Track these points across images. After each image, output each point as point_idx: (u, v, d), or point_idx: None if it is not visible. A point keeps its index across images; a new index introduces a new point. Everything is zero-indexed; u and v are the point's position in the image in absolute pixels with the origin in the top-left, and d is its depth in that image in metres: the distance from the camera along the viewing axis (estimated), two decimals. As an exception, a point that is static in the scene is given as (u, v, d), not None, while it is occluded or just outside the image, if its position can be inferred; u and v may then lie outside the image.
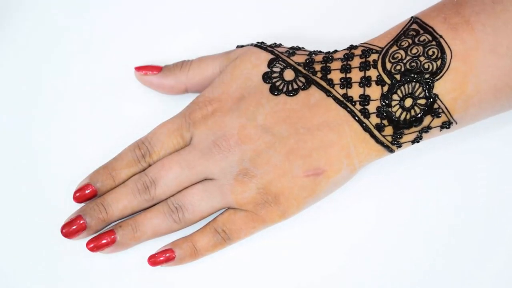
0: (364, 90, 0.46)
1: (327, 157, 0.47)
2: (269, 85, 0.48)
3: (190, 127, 0.49)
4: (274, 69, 0.48)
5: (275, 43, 0.50)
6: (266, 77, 0.48)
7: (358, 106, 0.46)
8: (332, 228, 0.50)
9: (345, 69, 0.47)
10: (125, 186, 0.49)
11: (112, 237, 0.48)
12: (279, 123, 0.47)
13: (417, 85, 0.45)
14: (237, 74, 0.48)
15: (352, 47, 0.48)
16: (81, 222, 0.48)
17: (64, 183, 0.50)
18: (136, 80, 0.52)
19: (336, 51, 0.49)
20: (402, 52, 0.46)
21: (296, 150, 0.47)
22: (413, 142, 0.48)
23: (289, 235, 0.50)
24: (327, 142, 0.47)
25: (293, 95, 0.47)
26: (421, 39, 0.46)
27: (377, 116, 0.46)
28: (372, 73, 0.46)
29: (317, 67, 0.48)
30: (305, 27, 0.53)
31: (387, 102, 0.46)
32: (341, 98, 0.47)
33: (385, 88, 0.46)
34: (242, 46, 0.51)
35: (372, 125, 0.46)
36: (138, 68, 0.51)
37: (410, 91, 0.46)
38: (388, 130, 0.47)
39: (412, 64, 0.46)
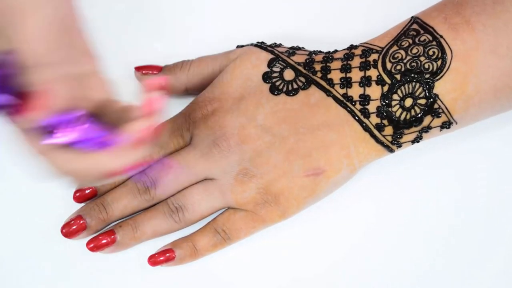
0: (364, 90, 0.46)
1: (327, 157, 0.47)
2: (269, 85, 0.48)
3: (190, 127, 0.49)
4: (274, 69, 0.48)
5: (275, 43, 0.50)
6: (266, 77, 0.48)
7: (358, 106, 0.46)
8: (332, 228, 0.50)
9: (345, 69, 0.47)
10: (125, 186, 0.49)
11: (112, 237, 0.48)
12: (279, 123, 0.47)
13: (417, 85, 0.46)
14: (237, 74, 0.48)
15: (352, 47, 0.48)
16: (81, 222, 0.48)
17: (64, 183, 0.50)
18: (136, 79, 0.52)
19: (336, 51, 0.49)
20: (403, 52, 0.46)
21: (296, 150, 0.47)
22: (413, 142, 0.48)
23: (289, 235, 0.50)
24: (327, 142, 0.47)
25: (293, 95, 0.47)
26: (422, 39, 0.46)
27: (377, 116, 0.46)
28: (372, 73, 0.46)
29: (317, 67, 0.48)
30: (305, 27, 0.53)
31: (387, 102, 0.46)
32: (341, 98, 0.47)
33: (385, 88, 0.46)
34: (242, 46, 0.51)
35: (372, 125, 0.46)
36: (138, 68, 0.51)
37: (410, 91, 0.46)
38: (388, 130, 0.47)
39: (413, 64, 0.46)
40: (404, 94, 0.46)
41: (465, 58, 0.45)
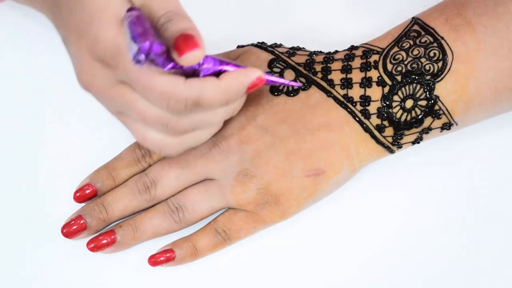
0: (365, 91, 0.46)
1: (327, 157, 0.47)
2: (269, 85, 0.48)
3: (190, 127, 0.49)
4: (274, 69, 0.48)
5: (275, 44, 0.50)
6: (267, 77, 0.48)
7: (358, 107, 0.46)
8: (332, 228, 0.50)
9: (346, 69, 0.47)
10: (126, 186, 0.49)
11: (112, 237, 0.48)
12: (279, 124, 0.47)
13: (418, 86, 0.45)
14: (237, 75, 0.48)
15: (353, 48, 0.48)
16: (82, 222, 0.48)
17: (64, 183, 0.50)
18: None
19: (336, 51, 0.49)
20: (403, 53, 0.46)
21: (296, 151, 0.47)
22: (413, 143, 0.48)
23: (289, 235, 0.50)
24: (327, 143, 0.47)
25: (294, 95, 0.47)
26: (423, 40, 0.46)
27: (378, 117, 0.46)
28: (373, 74, 0.46)
29: (318, 67, 0.47)
30: (306, 27, 0.53)
31: (387, 103, 0.46)
32: (342, 99, 0.47)
33: (386, 89, 0.46)
34: (242, 46, 0.50)
35: (373, 126, 0.46)
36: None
37: (411, 92, 0.46)
38: (389, 131, 0.47)
39: (413, 65, 0.46)
40: (404, 95, 0.46)
41: (466, 60, 0.45)
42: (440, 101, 0.46)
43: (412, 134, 0.47)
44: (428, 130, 0.47)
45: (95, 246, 0.48)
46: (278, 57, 0.48)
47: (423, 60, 0.46)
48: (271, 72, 0.48)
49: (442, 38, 0.45)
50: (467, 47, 0.45)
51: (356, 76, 0.47)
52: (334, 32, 0.53)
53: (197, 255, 0.49)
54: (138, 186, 0.48)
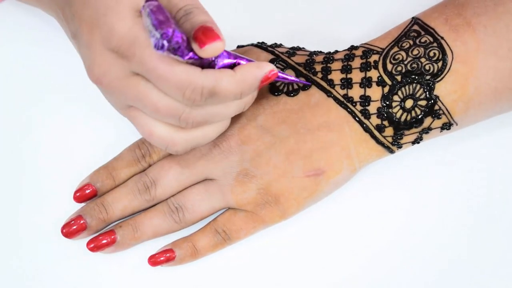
0: (365, 91, 0.46)
1: (327, 157, 0.47)
2: (269, 85, 0.48)
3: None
4: (275, 69, 0.48)
5: (275, 43, 0.50)
6: (266, 77, 0.48)
7: (358, 107, 0.46)
8: (332, 228, 0.50)
9: (346, 69, 0.47)
10: (126, 186, 0.49)
11: (112, 237, 0.48)
12: (279, 124, 0.47)
13: (418, 86, 0.46)
14: (237, 75, 0.48)
15: (352, 48, 0.48)
16: (81, 222, 0.48)
17: (64, 183, 0.50)
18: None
19: (336, 51, 0.49)
20: (403, 53, 0.46)
21: (296, 151, 0.47)
22: (413, 142, 0.48)
23: (289, 235, 0.50)
24: (327, 143, 0.47)
25: (294, 95, 0.47)
26: (422, 40, 0.46)
27: (378, 117, 0.46)
28: (373, 74, 0.46)
29: (318, 67, 0.47)
30: (306, 28, 0.53)
31: (387, 103, 0.46)
32: (342, 99, 0.47)
33: (386, 89, 0.46)
34: (242, 46, 0.51)
35: (373, 125, 0.46)
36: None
37: (411, 92, 0.46)
38: (389, 131, 0.47)
39: (413, 65, 0.46)
40: (404, 95, 0.46)
41: (465, 60, 0.45)
42: (440, 101, 0.46)
43: (412, 134, 0.47)
44: (428, 130, 0.47)
45: (95, 246, 0.48)
46: (278, 57, 0.48)
47: (423, 60, 0.46)
48: (271, 72, 0.48)
49: (442, 38, 0.45)
50: (467, 47, 0.45)
51: (356, 76, 0.47)
52: (334, 32, 0.53)
53: (197, 255, 0.49)
54: (138, 186, 0.48)
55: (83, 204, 0.49)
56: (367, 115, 0.46)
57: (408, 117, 0.46)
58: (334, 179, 0.47)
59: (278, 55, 0.48)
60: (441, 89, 0.45)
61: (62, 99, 0.52)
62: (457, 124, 0.47)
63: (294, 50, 0.49)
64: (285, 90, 0.47)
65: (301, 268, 0.50)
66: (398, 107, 0.46)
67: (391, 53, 0.46)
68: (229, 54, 0.40)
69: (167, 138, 0.42)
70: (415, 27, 0.47)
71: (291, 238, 0.50)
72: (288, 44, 0.51)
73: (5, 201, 0.51)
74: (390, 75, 0.46)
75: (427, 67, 0.45)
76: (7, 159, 0.51)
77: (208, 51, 0.37)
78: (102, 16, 0.38)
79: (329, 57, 0.48)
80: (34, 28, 0.53)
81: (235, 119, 0.47)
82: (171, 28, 0.35)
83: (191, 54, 0.37)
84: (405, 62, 0.46)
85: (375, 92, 0.46)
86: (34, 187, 0.51)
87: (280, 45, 0.50)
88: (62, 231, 0.48)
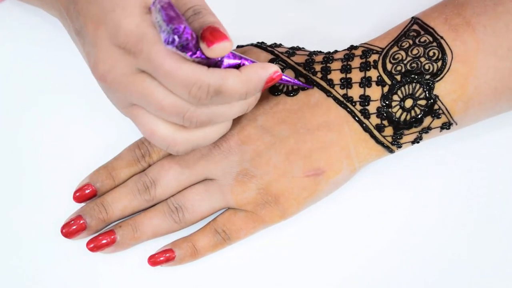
0: (365, 91, 0.46)
1: (327, 157, 0.47)
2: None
3: (190, 127, 0.49)
4: (274, 69, 0.48)
5: (275, 43, 0.50)
6: (266, 77, 0.48)
7: (358, 107, 0.46)
8: (332, 228, 0.50)
9: (345, 69, 0.47)
10: (125, 186, 0.49)
11: (112, 237, 0.48)
12: (279, 124, 0.47)
13: (418, 86, 0.46)
14: (237, 75, 0.48)
15: (352, 48, 0.48)
16: (81, 222, 0.48)
17: (64, 183, 0.50)
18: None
19: (336, 51, 0.49)
20: (403, 53, 0.46)
21: (296, 151, 0.47)
22: (413, 142, 0.48)
23: (289, 235, 0.50)
24: (327, 143, 0.47)
25: (293, 95, 0.47)
26: (422, 40, 0.46)
27: (377, 116, 0.46)
28: (373, 74, 0.46)
29: (317, 67, 0.47)
30: (306, 27, 0.53)
31: (387, 102, 0.46)
32: (341, 99, 0.47)
33: (386, 89, 0.46)
34: (242, 46, 0.51)
35: (372, 125, 0.46)
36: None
37: (410, 92, 0.46)
38: (388, 131, 0.47)
39: (413, 65, 0.46)
40: (404, 95, 0.46)
41: (465, 59, 0.45)
42: (440, 100, 0.46)
43: (411, 133, 0.47)
44: (427, 129, 0.47)
45: (94, 246, 0.48)
46: (277, 57, 0.48)
47: (422, 59, 0.46)
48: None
49: (442, 37, 0.45)
50: (467, 46, 0.45)
51: (356, 75, 0.47)
52: (334, 32, 0.53)
53: (197, 255, 0.49)
54: (138, 186, 0.48)
55: (83, 204, 0.49)
56: (366, 114, 0.46)
57: (408, 117, 0.46)
58: (334, 179, 0.47)
59: (278, 55, 0.48)
60: (440, 88, 0.45)
61: (62, 99, 0.52)
62: (456, 124, 0.47)
63: (293, 50, 0.49)
64: (284, 90, 0.47)
65: (301, 268, 0.50)
66: (398, 106, 0.46)
67: (390, 52, 0.46)
68: (234, 55, 0.41)
69: (169, 137, 0.42)
70: (415, 26, 0.47)
71: (291, 238, 0.50)
72: (288, 44, 0.51)
73: (5, 201, 0.51)
74: (390, 74, 0.46)
75: (426, 67, 0.45)
76: (7, 159, 0.51)
77: (216, 50, 0.37)
78: (109, 12, 0.38)
79: (328, 57, 0.48)
80: (34, 28, 0.54)
81: (235, 119, 0.47)
82: (183, 24, 0.36)
83: (198, 53, 0.38)
84: (405, 62, 0.46)
85: (374, 92, 0.46)
86: (34, 187, 0.51)
87: (280, 45, 0.50)
88: (62, 231, 0.48)
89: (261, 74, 0.41)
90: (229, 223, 0.48)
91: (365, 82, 0.46)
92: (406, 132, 0.47)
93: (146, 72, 0.39)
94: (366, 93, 0.46)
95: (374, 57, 0.47)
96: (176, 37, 0.36)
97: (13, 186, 0.51)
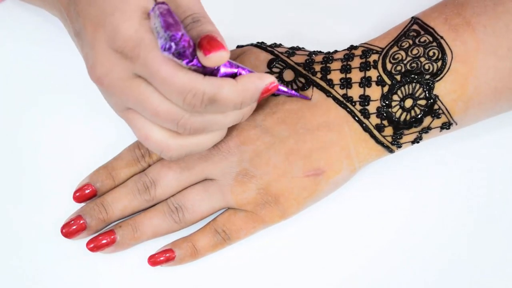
0: (364, 91, 0.46)
1: (327, 157, 0.47)
2: None
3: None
4: (274, 69, 0.48)
5: (275, 43, 0.50)
6: (266, 77, 0.48)
7: (358, 107, 0.46)
8: (332, 228, 0.50)
9: (345, 69, 0.47)
10: (125, 186, 0.49)
11: (112, 237, 0.48)
12: (279, 124, 0.47)
13: (418, 86, 0.46)
14: (236, 75, 0.48)
15: (352, 48, 0.48)
16: (81, 222, 0.48)
17: (64, 183, 0.50)
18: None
19: (336, 51, 0.49)
20: (403, 53, 0.46)
21: (296, 151, 0.47)
22: (413, 142, 0.48)
23: (289, 235, 0.50)
24: (326, 143, 0.47)
25: (293, 95, 0.47)
26: (422, 40, 0.46)
27: (377, 116, 0.46)
28: (372, 74, 0.46)
29: (317, 67, 0.47)
30: (305, 27, 0.53)
31: (387, 102, 0.46)
32: (341, 99, 0.47)
33: (385, 89, 0.46)
34: (242, 46, 0.51)
35: (372, 125, 0.46)
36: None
37: (410, 92, 0.46)
38: (388, 131, 0.47)
39: (413, 64, 0.46)
40: (404, 95, 0.46)
41: (465, 59, 0.45)
42: (440, 100, 0.46)
43: (411, 133, 0.47)
44: (427, 129, 0.47)
45: (94, 246, 0.48)
46: (277, 57, 0.48)
47: (422, 59, 0.46)
48: (270, 72, 0.48)
49: (442, 37, 0.45)
50: (467, 46, 0.45)
51: (356, 75, 0.47)
52: (333, 32, 0.53)
53: (197, 255, 0.49)
54: (138, 186, 0.48)
55: (82, 204, 0.49)
56: (366, 114, 0.46)
57: (408, 117, 0.46)
58: (334, 179, 0.47)
59: (278, 55, 0.48)
60: (440, 88, 0.45)
61: (62, 99, 0.52)
62: (456, 124, 0.47)
63: (293, 50, 0.49)
64: (284, 90, 0.47)
65: (301, 268, 0.50)
66: (398, 106, 0.46)
67: (390, 52, 0.46)
68: (231, 64, 0.41)
69: (163, 143, 0.42)
70: (415, 26, 0.47)
71: (291, 238, 0.50)
72: (288, 44, 0.51)
73: (5, 201, 0.51)
74: (390, 74, 0.46)
75: (426, 67, 0.45)
76: (7, 159, 0.51)
77: (212, 59, 0.37)
78: (109, 15, 0.38)
79: (328, 57, 0.48)
80: (35, 28, 0.54)
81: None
82: (180, 32, 0.36)
83: (195, 61, 0.38)
84: (405, 62, 0.46)
85: (374, 92, 0.46)
86: (34, 187, 0.51)
87: (280, 45, 0.50)
88: (61, 231, 0.48)
89: (257, 84, 0.41)
90: (229, 223, 0.48)
91: (365, 82, 0.46)
92: (406, 132, 0.47)
93: (143, 77, 0.39)
94: (366, 93, 0.46)
95: (374, 57, 0.47)
96: (173, 44, 0.36)
97: (13, 186, 0.51)
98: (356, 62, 0.47)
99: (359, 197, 0.51)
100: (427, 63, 0.45)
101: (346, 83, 0.47)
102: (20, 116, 0.52)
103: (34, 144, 0.52)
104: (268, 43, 0.50)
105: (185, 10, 0.39)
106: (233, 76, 0.41)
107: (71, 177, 0.50)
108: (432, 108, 0.46)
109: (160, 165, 0.48)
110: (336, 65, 0.47)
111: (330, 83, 0.47)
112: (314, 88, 0.47)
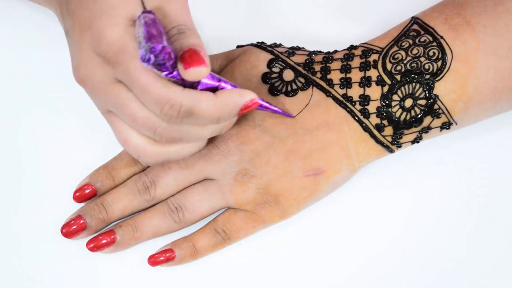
0: (364, 90, 0.46)
1: (326, 157, 0.47)
2: (268, 85, 0.48)
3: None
4: (274, 69, 0.48)
5: (275, 43, 0.50)
6: (266, 77, 0.48)
7: (358, 106, 0.46)
8: (332, 228, 0.50)
9: (345, 69, 0.47)
10: (125, 186, 0.49)
11: (112, 237, 0.48)
12: (278, 124, 0.47)
13: (418, 85, 0.45)
14: (236, 75, 0.48)
15: (352, 47, 0.48)
16: (81, 222, 0.48)
17: (64, 183, 0.50)
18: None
19: (336, 51, 0.49)
20: (403, 53, 0.46)
21: (296, 151, 0.47)
22: (413, 142, 0.48)
23: (289, 235, 0.50)
24: (326, 142, 0.47)
25: (292, 95, 0.47)
26: (422, 39, 0.46)
27: (377, 116, 0.46)
28: (372, 74, 0.46)
29: (317, 67, 0.47)
30: (305, 27, 0.53)
31: (387, 102, 0.46)
32: (341, 98, 0.47)
33: (385, 89, 0.46)
34: (242, 46, 0.51)
35: (372, 125, 0.46)
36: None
37: (410, 92, 0.46)
38: (388, 130, 0.47)
39: (413, 64, 0.46)
40: (404, 94, 0.46)
41: (465, 59, 0.45)
42: (440, 100, 0.46)
43: (411, 133, 0.47)
44: (427, 129, 0.47)
45: (94, 246, 0.48)
46: (277, 57, 0.48)
47: (422, 59, 0.46)
48: (270, 72, 0.48)
49: (442, 37, 0.45)
50: (467, 46, 0.45)
51: (356, 75, 0.47)
52: (333, 32, 0.53)
53: (197, 255, 0.49)
54: (137, 186, 0.48)
55: (82, 204, 0.49)
56: (366, 114, 0.46)
57: (408, 117, 0.46)
58: (334, 178, 0.47)
59: (278, 54, 0.48)
60: (440, 88, 0.45)
61: (62, 99, 0.52)
62: (456, 124, 0.47)
63: (293, 50, 0.49)
64: (283, 90, 0.47)
65: (301, 268, 0.50)
66: (398, 106, 0.46)
67: (390, 52, 0.46)
68: (213, 77, 0.40)
69: (140, 148, 0.42)
70: (415, 26, 0.47)
71: (291, 238, 0.50)
72: (288, 44, 0.51)
73: (5, 201, 0.51)
74: (390, 74, 0.46)
75: (426, 67, 0.45)
76: (7, 159, 0.51)
77: (191, 73, 0.37)
78: (96, 19, 0.38)
79: (328, 57, 0.48)
80: (35, 27, 0.54)
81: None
82: (161, 44, 0.36)
83: (175, 73, 0.37)
84: (405, 62, 0.46)
85: (374, 92, 0.46)
86: (34, 187, 0.51)
87: (280, 45, 0.50)
88: (61, 231, 0.48)
89: (237, 100, 0.40)
90: (229, 223, 0.48)
91: (365, 82, 0.46)
92: (406, 131, 0.47)
93: (123, 83, 0.39)
94: (366, 93, 0.46)
95: (374, 57, 0.47)
96: (152, 56, 0.36)
97: (13, 186, 0.51)
98: (356, 62, 0.47)
99: (359, 197, 0.51)
100: (427, 63, 0.45)
101: (346, 83, 0.47)
102: (20, 116, 0.52)
103: (34, 144, 0.52)
104: (268, 43, 0.50)
105: (171, 20, 0.39)
106: (214, 89, 0.40)
107: (71, 177, 0.50)
108: (432, 108, 0.46)
109: (160, 165, 0.48)
110: (336, 65, 0.47)
111: (330, 83, 0.47)
112: (314, 88, 0.47)
